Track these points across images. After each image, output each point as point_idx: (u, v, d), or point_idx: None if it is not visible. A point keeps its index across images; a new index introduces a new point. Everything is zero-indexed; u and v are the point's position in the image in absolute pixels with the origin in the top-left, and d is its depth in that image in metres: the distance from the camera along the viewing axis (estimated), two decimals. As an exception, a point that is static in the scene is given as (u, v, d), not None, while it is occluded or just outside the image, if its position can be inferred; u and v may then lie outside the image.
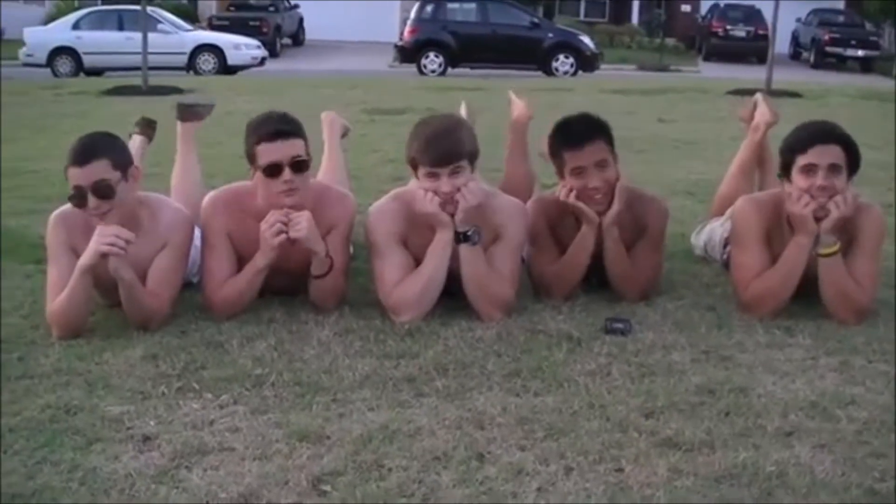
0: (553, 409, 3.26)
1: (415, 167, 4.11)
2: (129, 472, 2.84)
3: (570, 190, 4.30)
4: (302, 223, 4.02)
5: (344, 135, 5.78)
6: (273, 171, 4.05)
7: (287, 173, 4.05)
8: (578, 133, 4.33)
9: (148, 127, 5.51)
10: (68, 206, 3.98)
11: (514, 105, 5.55)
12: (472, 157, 4.11)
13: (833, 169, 4.09)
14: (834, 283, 4.14)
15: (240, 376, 3.51)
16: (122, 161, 3.94)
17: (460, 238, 4.07)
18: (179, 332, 3.96)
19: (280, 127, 4.10)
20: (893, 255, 5.16)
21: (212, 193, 4.35)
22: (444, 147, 4.02)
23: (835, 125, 4.25)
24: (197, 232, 4.31)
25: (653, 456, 2.94)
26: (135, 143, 5.39)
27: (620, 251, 4.39)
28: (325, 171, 5.30)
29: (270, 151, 4.04)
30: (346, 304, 4.25)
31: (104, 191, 3.86)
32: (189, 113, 5.45)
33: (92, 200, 3.84)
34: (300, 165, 4.09)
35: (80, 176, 3.85)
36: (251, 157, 4.12)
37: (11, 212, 6.16)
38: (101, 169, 3.86)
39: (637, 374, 3.59)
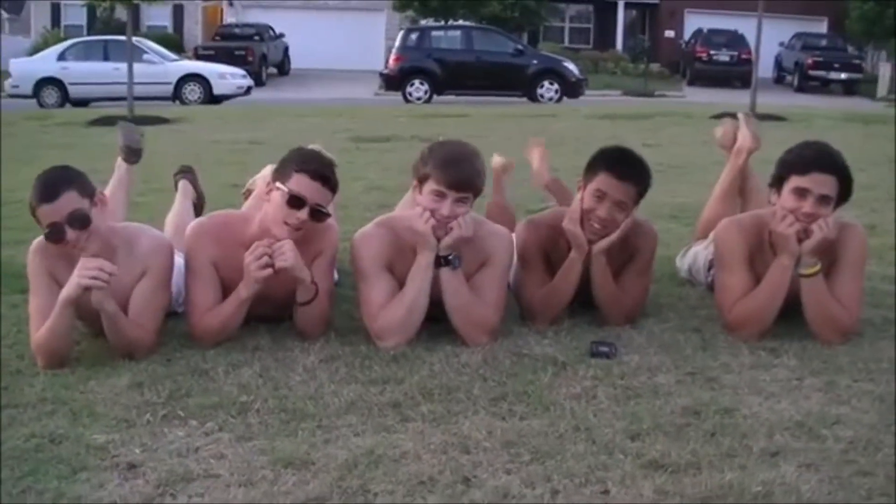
0: (539, 432, 3.26)
1: (422, 181, 4.08)
2: (114, 501, 2.82)
3: (582, 203, 4.29)
4: (287, 252, 4.01)
5: None
6: (297, 203, 4.03)
7: (306, 212, 4.04)
8: (625, 167, 4.32)
9: (131, 153, 5.49)
10: None
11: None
12: (478, 193, 4.12)
13: (823, 199, 4.09)
14: (817, 304, 4.16)
15: (225, 403, 3.50)
16: (89, 188, 3.93)
17: (441, 262, 4.07)
18: (165, 361, 3.95)
19: (328, 173, 4.11)
20: (877, 275, 5.19)
21: (196, 221, 4.35)
22: (465, 172, 4.02)
23: (838, 155, 4.21)
24: (181, 260, 4.31)
25: (639, 478, 2.93)
26: (119, 170, 5.39)
27: (607, 277, 4.39)
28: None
29: (306, 186, 4.03)
30: (331, 331, 4.25)
31: (81, 220, 3.84)
32: (188, 173, 5.47)
33: (70, 233, 3.82)
34: (319, 215, 4.10)
35: (53, 212, 3.82)
36: (278, 176, 4.09)
37: (-3, 242, 6.14)
38: (72, 200, 3.83)
39: (622, 397, 3.59)
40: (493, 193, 5.57)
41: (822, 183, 4.09)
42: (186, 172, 5.56)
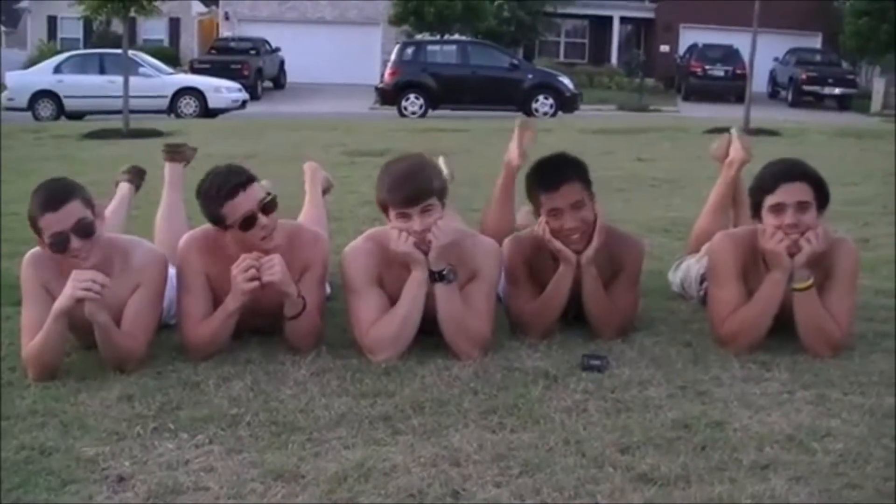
0: (529, 445, 3.26)
1: (385, 209, 4.11)
2: (104, 513, 2.82)
3: (548, 228, 4.31)
4: (275, 266, 4.02)
5: (326, 191, 5.77)
6: (248, 222, 4.04)
7: (262, 219, 4.05)
8: (553, 174, 4.34)
9: (137, 176, 5.51)
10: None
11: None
12: (441, 194, 4.12)
13: (801, 206, 4.11)
14: (809, 318, 4.16)
15: (216, 416, 3.50)
16: (90, 199, 3.94)
17: (436, 277, 4.07)
18: (156, 373, 3.94)
19: (234, 181, 4.07)
20: (870, 289, 5.20)
21: (188, 234, 4.35)
22: (412, 187, 4.03)
23: (800, 162, 4.27)
24: (173, 272, 4.30)
25: (628, 491, 2.94)
26: (122, 190, 5.40)
27: (599, 289, 4.40)
28: (306, 217, 5.30)
29: (237, 206, 4.03)
30: (322, 344, 4.24)
31: (86, 230, 3.85)
32: (176, 153, 5.45)
33: (75, 242, 3.82)
34: (269, 207, 4.10)
35: (58, 220, 3.82)
36: (219, 220, 4.09)
37: (-9, 254, 6.13)
38: (76, 209, 3.84)
39: (613, 410, 3.59)
40: (499, 196, 5.42)
41: (793, 192, 4.11)
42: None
